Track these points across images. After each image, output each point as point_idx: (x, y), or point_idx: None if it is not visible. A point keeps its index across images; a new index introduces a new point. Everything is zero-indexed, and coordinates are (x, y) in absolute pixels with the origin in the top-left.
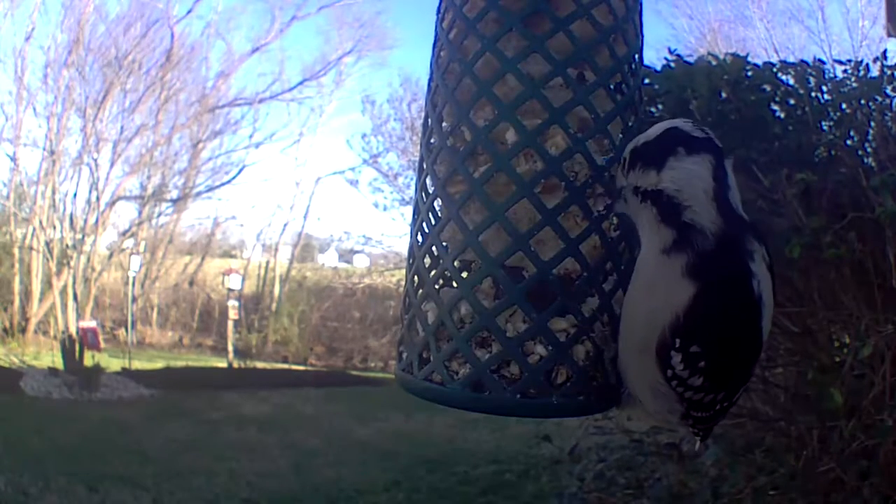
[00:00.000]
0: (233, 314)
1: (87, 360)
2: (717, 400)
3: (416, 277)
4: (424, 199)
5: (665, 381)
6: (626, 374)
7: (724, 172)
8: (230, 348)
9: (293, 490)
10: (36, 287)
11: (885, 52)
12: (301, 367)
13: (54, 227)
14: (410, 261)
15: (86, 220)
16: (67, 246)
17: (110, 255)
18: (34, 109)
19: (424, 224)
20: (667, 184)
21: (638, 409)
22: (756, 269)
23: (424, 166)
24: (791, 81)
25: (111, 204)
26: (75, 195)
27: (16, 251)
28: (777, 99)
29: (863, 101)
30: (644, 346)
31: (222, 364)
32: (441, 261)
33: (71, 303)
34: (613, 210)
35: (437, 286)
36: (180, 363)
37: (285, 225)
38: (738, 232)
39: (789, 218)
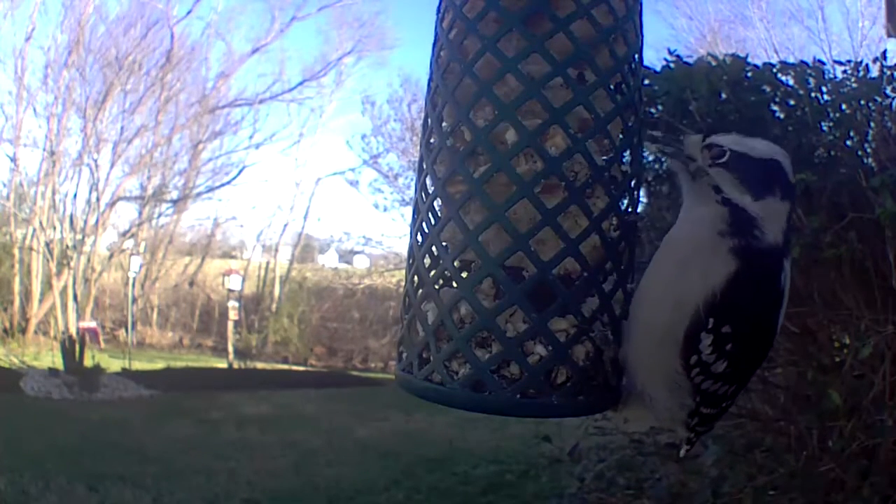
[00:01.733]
0: (233, 315)
1: (87, 361)
2: (727, 395)
3: (416, 277)
4: (424, 199)
5: (684, 371)
6: (638, 369)
7: (792, 216)
8: (230, 349)
9: (293, 490)
10: (36, 287)
11: (884, 52)
12: (301, 368)
13: (54, 228)
14: (410, 261)
15: (86, 221)
16: (67, 246)
17: (110, 256)
18: (34, 109)
19: (424, 224)
20: (756, 211)
21: (637, 410)
22: (786, 266)
23: (424, 166)
24: (791, 82)
25: (111, 204)
26: (75, 196)
27: (16, 251)
28: (777, 99)
29: (862, 102)
30: (669, 333)
31: (222, 364)
32: (441, 261)
33: (71, 303)
34: (668, 157)
35: (437, 286)
36: (180, 364)
37: (285, 225)
38: (785, 243)
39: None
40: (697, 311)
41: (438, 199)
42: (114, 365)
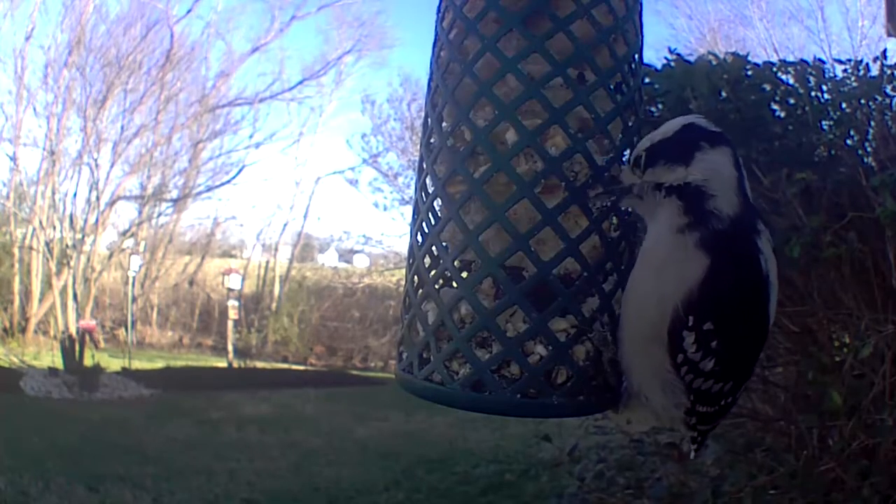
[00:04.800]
0: (233, 314)
1: (87, 360)
2: (723, 392)
3: (416, 277)
4: (424, 199)
5: (674, 371)
6: (631, 369)
7: (740, 163)
8: (230, 348)
9: (293, 490)
10: (36, 287)
11: (884, 51)
12: (301, 367)
13: (54, 227)
14: (410, 261)
15: (86, 220)
16: (67, 246)
17: (110, 255)
18: (34, 109)
19: (424, 224)
20: (695, 176)
21: (638, 411)
22: (763, 247)
23: (424, 166)
24: (791, 81)
25: (111, 204)
26: (75, 195)
27: (16, 251)
28: (777, 98)
29: (863, 101)
30: (654, 334)
31: (222, 364)
32: (441, 261)
33: (71, 303)
34: (619, 206)
35: (437, 286)
36: (180, 363)
37: (285, 225)
38: (749, 215)
39: (789, 217)
40: (677, 310)
41: (438, 199)
42: (114, 364)
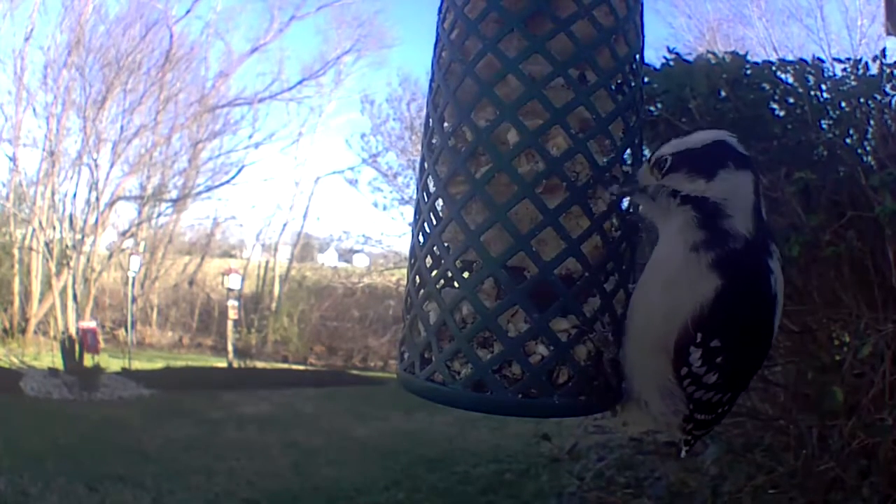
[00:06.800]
0: (232, 314)
1: (87, 361)
2: (722, 402)
3: (417, 278)
4: (426, 200)
5: (677, 381)
6: (632, 375)
7: (760, 189)
8: (230, 348)
9: (293, 489)
10: (36, 287)
11: (884, 50)
12: (301, 367)
13: (54, 228)
14: (412, 261)
15: (85, 221)
16: (67, 246)
17: (110, 256)
18: (34, 109)
19: (426, 224)
20: (715, 192)
21: (636, 413)
22: (774, 267)
23: (426, 167)
24: (790, 80)
25: (111, 204)
26: (75, 195)
27: (16, 251)
28: (776, 97)
29: (862, 100)
30: (660, 345)
31: (222, 364)
32: (443, 261)
33: (71, 303)
34: (633, 203)
35: (438, 286)
36: (180, 363)
37: (285, 225)
38: (762, 235)
39: (788, 216)
40: (686, 326)
41: (440, 199)
42: (114, 365)
